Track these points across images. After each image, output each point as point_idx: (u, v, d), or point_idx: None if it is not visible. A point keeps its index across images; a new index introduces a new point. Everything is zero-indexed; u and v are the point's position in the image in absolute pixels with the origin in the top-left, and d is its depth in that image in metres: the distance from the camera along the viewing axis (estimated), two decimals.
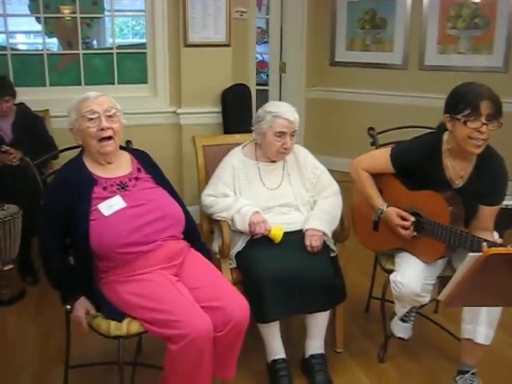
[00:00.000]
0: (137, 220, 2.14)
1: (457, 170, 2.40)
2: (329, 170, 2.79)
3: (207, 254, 2.41)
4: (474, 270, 1.52)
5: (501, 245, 2.14)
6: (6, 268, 3.21)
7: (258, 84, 5.84)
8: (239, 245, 2.53)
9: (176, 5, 4.05)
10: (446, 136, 2.41)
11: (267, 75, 6.07)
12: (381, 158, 2.55)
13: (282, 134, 2.56)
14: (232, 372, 2.25)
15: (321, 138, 5.81)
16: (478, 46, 5.12)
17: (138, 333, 2.10)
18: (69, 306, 2.14)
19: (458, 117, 2.23)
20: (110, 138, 2.20)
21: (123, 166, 2.30)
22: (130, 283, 2.12)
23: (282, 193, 2.64)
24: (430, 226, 2.37)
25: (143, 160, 2.36)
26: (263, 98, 5.34)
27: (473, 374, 2.37)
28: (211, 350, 2.05)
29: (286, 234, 2.51)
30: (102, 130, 2.17)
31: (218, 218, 2.55)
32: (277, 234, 2.48)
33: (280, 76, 5.72)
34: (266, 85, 5.89)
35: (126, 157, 2.34)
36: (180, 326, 1.98)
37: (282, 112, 2.56)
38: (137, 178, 2.27)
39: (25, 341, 2.85)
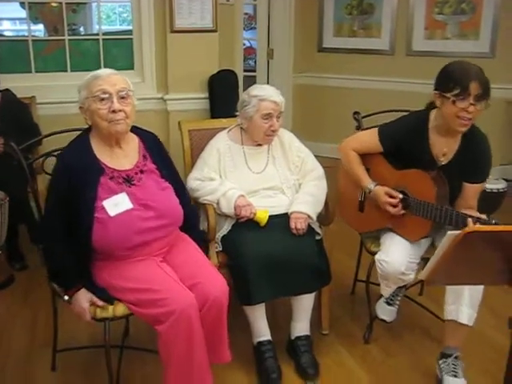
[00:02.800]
0: (140, 224, 2.10)
1: (441, 147, 2.44)
2: (316, 155, 2.81)
3: (202, 243, 2.39)
4: (454, 247, 1.55)
5: (485, 220, 2.18)
6: None
7: (245, 70, 5.84)
8: (225, 228, 2.55)
9: None
10: (433, 114, 2.45)
11: (255, 61, 6.07)
12: (369, 138, 2.59)
13: (268, 116, 2.57)
14: (226, 355, 2.26)
15: (308, 124, 5.82)
16: (464, 32, 5.14)
17: (124, 315, 2.11)
18: (67, 297, 2.11)
19: (447, 95, 2.26)
20: (121, 119, 2.12)
21: (131, 154, 2.23)
22: (116, 268, 2.13)
23: (268, 176, 2.65)
24: (416, 204, 2.40)
25: (150, 144, 2.30)
26: (251, 83, 5.26)
27: (456, 357, 2.39)
28: (200, 325, 2.06)
29: (271, 216, 2.53)
30: (114, 111, 2.09)
31: (204, 202, 2.56)
32: (262, 216, 2.50)
33: (268, 62, 5.73)
34: (254, 71, 5.90)
35: (134, 141, 2.26)
36: (165, 304, 1.99)
37: (267, 95, 2.57)
38: (142, 171, 2.20)
39: (13, 326, 2.87)
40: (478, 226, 1.53)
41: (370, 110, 3.05)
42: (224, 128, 2.79)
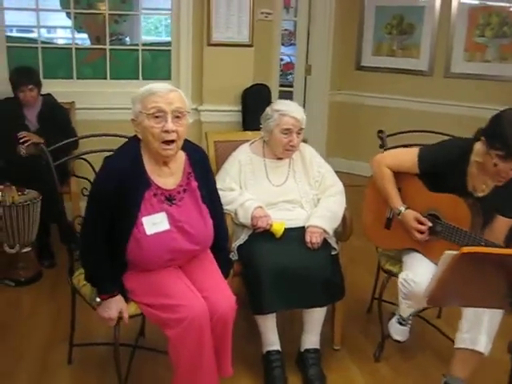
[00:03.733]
0: (173, 245, 2.12)
1: (480, 182, 2.40)
2: (349, 173, 2.83)
3: (227, 267, 2.39)
4: (451, 268, 1.56)
5: None
6: (24, 250, 3.36)
7: (283, 85, 5.93)
8: (242, 238, 2.61)
9: (201, 4, 4.16)
10: (477, 146, 2.36)
11: (293, 77, 6.13)
12: (407, 158, 2.53)
13: (288, 131, 2.62)
14: (228, 369, 2.26)
15: (343, 142, 5.85)
16: (505, 55, 5.08)
17: (134, 315, 2.18)
18: (98, 299, 2.13)
19: (491, 153, 2.21)
20: (172, 141, 2.06)
21: (176, 173, 2.19)
22: (134, 272, 2.18)
23: (287, 189, 2.70)
24: (448, 229, 2.37)
25: (196, 160, 2.25)
26: (288, 99, 5.39)
27: None
28: (210, 334, 2.10)
29: (287, 229, 2.57)
30: (167, 131, 2.02)
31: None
32: (278, 228, 2.54)
33: (305, 78, 5.77)
34: (292, 86, 5.96)
35: (180, 159, 2.21)
36: (179, 310, 2.04)
37: (289, 110, 2.63)
38: (185, 190, 2.19)
39: (36, 319, 2.99)
40: (475, 248, 1.53)
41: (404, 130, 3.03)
42: (249, 140, 2.86)
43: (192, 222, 2.17)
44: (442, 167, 2.41)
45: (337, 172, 2.87)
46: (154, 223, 2.09)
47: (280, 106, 2.67)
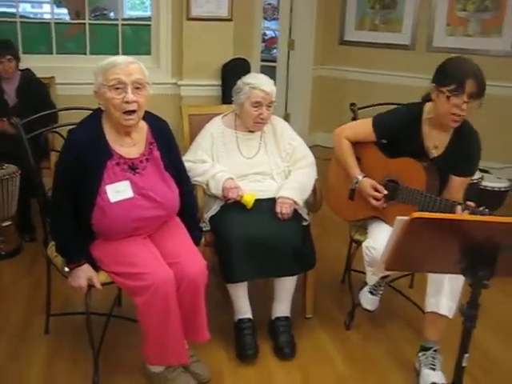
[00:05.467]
0: (137, 212, 2.18)
1: (433, 140, 2.49)
2: (330, 147, 2.85)
3: (197, 233, 2.45)
4: (403, 233, 1.61)
5: (474, 208, 2.21)
6: (4, 224, 3.40)
7: (267, 60, 5.92)
8: (213, 209, 2.66)
9: None
10: (427, 106, 2.48)
11: None
12: (363, 127, 2.63)
13: (258, 104, 2.65)
14: (204, 334, 2.33)
15: (326, 116, 5.86)
16: (487, 29, 5.09)
17: (104, 283, 2.23)
18: (67, 269, 2.21)
19: (443, 90, 2.30)
20: (133, 111, 2.13)
21: (139, 143, 2.26)
22: (102, 242, 2.24)
23: (258, 161, 2.74)
24: (406, 192, 2.45)
25: (158, 131, 2.32)
26: (271, 74, 5.41)
27: (434, 350, 2.43)
28: (175, 301, 2.16)
29: (258, 200, 2.62)
30: (127, 102, 2.09)
31: (194, 183, 2.66)
32: (248, 199, 2.59)
33: (288, 53, 5.77)
34: (276, 61, 5.95)
35: (142, 130, 2.28)
36: (144, 278, 2.10)
37: (259, 83, 2.65)
38: (147, 159, 2.25)
39: (16, 291, 3.05)
40: (424, 213, 1.57)
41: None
42: (222, 113, 2.88)
43: (156, 188, 2.23)
44: (396, 131, 2.50)
45: (320, 146, 2.93)
46: (118, 191, 2.16)
47: (250, 79, 2.69)
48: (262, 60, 5.58)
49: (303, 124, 5.58)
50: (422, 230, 1.60)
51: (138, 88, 2.13)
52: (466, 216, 2.08)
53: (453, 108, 2.30)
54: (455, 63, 2.35)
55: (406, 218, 1.58)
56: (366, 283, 2.73)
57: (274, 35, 6.76)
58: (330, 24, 5.74)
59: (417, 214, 1.55)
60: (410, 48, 5.44)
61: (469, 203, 2.26)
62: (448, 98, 2.29)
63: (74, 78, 4.12)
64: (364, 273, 2.69)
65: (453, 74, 2.28)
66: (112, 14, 6.29)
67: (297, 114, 5.71)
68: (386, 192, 2.51)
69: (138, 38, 4.57)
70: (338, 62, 5.80)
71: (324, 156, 3.07)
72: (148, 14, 8.75)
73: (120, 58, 2.16)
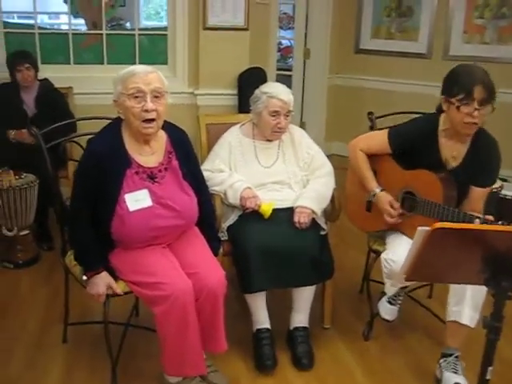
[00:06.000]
0: (156, 221, 2.19)
1: (451, 151, 2.46)
2: (345, 156, 2.84)
3: (215, 244, 2.45)
4: (424, 243, 1.59)
5: (492, 221, 2.18)
6: (22, 233, 3.43)
7: (283, 69, 5.92)
8: (231, 218, 2.65)
9: None
10: (442, 117, 2.46)
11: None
12: (378, 139, 2.61)
13: (276, 113, 2.65)
14: (222, 344, 2.32)
15: (342, 125, 5.84)
16: (504, 36, 5.05)
17: (125, 292, 2.23)
18: (85, 277, 2.22)
19: (452, 100, 2.28)
20: (153, 120, 2.15)
21: (158, 152, 2.27)
22: (121, 251, 2.25)
23: (276, 170, 2.74)
24: (423, 204, 2.42)
25: (177, 141, 2.33)
26: (287, 83, 5.41)
27: (456, 357, 2.41)
28: (194, 311, 2.16)
29: (276, 210, 2.61)
30: (147, 111, 2.12)
31: (212, 192, 2.65)
32: (266, 209, 2.58)
33: (304, 62, 5.77)
34: (291, 70, 5.96)
35: (162, 139, 2.30)
36: (162, 288, 2.10)
37: (276, 92, 2.65)
38: (166, 169, 2.26)
39: (34, 300, 3.06)
40: (446, 223, 1.55)
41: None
42: (240, 122, 2.89)
43: (175, 197, 2.24)
44: (413, 143, 2.47)
45: (336, 155, 2.92)
46: (137, 200, 2.17)
47: (268, 88, 2.70)
48: (278, 69, 5.59)
49: (319, 133, 5.56)
50: (444, 240, 1.58)
51: (157, 97, 2.15)
52: (488, 226, 2.05)
53: (465, 117, 2.27)
54: (460, 72, 2.32)
55: (427, 228, 1.56)
56: (384, 293, 2.70)
57: (289, 44, 6.78)
58: (346, 33, 5.73)
59: (439, 225, 1.53)
60: (427, 56, 5.40)
61: (488, 217, 2.23)
62: (458, 107, 2.26)
63: (91, 87, 4.15)
64: (382, 283, 2.66)
65: (460, 84, 2.26)
66: (128, 25, 6.35)
67: (312, 122, 5.69)
68: (400, 211, 2.50)
69: (154, 48, 4.60)
70: (353, 71, 5.78)
71: (340, 165, 3.05)
72: (163, 23, 8.87)
73: (139, 67, 2.19)
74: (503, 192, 3.66)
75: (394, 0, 5.48)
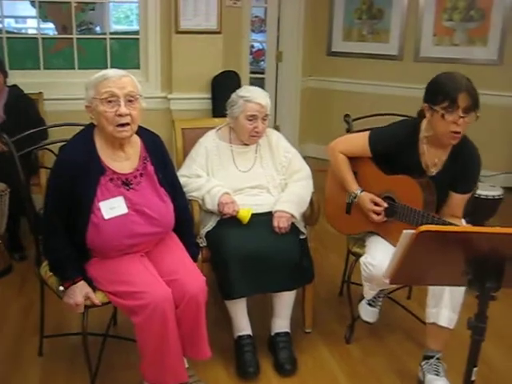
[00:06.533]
0: (132, 228, 2.15)
1: (432, 158, 2.45)
2: (322, 159, 2.84)
3: (194, 249, 2.41)
4: (409, 246, 1.58)
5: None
6: None
7: (256, 72, 5.91)
8: (210, 224, 2.62)
9: None
10: (424, 123, 2.44)
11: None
12: (358, 142, 2.58)
13: (253, 117, 2.63)
14: (206, 351, 2.28)
15: (315, 127, 5.88)
16: (473, 38, 5.15)
17: (103, 303, 2.17)
18: (62, 288, 2.15)
19: (436, 108, 2.27)
20: (127, 124, 2.11)
21: (132, 157, 2.23)
22: (98, 260, 2.20)
23: (254, 175, 2.71)
24: (403, 210, 2.41)
25: (152, 146, 2.30)
26: (260, 86, 5.39)
27: (438, 358, 2.42)
28: (174, 320, 2.12)
29: (255, 215, 2.58)
30: (120, 115, 2.08)
31: (190, 198, 2.62)
32: (244, 214, 2.56)
33: (277, 65, 5.77)
34: (264, 73, 5.95)
35: (136, 144, 2.26)
36: (141, 297, 2.06)
37: (253, 96, 2.63)
38: (141, 174, 2.22)
39: (7, 313, 2.96)
40: (432, 226, 1.55)
41: None
42: (216, 127, 2.85)
43: (151, 204, 2.20)
44: (393, 148, 2.46)
45: (310, 157, 2.91)
46: (112, 207, 2.13)
47: (245, 92, 2.67)
48: (251, 72, 5.56)
49: (293, 135, 5.56)
50: (429, 243, 1.58)
51: (130, 101, 2.11)
52: (473, 228, 2.06)
53: (450, 125, 2.26)
54: (444, 79, 2.31)
55: (412, 231, 1.55)
56: (364, 296, 2.70)
57: (261, 47, 6.76)
58: (318, 35, 5.76)
59: (424, 228, 1.53)
60: (398, 58, 5.47)
61: (465, 225, 2.27)
62: (443, 115, 2.25)
63: (62, 93, 4.08)
64: (362, 285, 2.66)
65: (444, 91, 2.25)
66: (98, 29, 6.25)
67: (286, 125, 5.69)
68: (386, 205, 2.48)
69: (125, 52, 4.52)
70: (326, 73, 5.81)
71: (315, 167, 3.03)
72: (134, 27, 8.77)
73: (112, 71, 2.14)
74: (478, 192, 3.72)
75: (365, 2, 5.54)
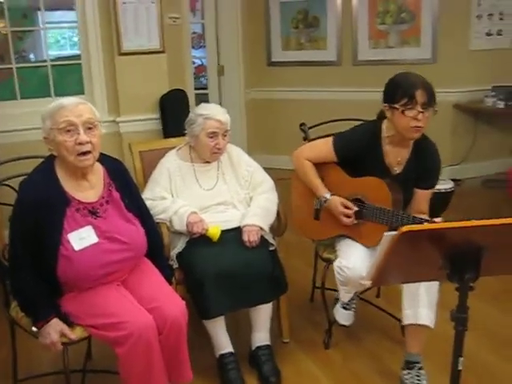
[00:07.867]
0: (105, 257, 2.10)
1: (395, 157, 2.54)
2: (269, 168, 2.86)
3: (167, 271, 2.39)
4: (392, 248, 1.62)
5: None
6: None
7: (198, 88, 5.90)
8: (180, 245, 2.59)
9: (108, 14, 4.05)
10: (385, 124, 2.53)
11: (207, 79, 6.14)
12: (323, 148, 2.62)
13: (214, 134, 2.63)
14: (188, 374, 2.26)
15: (262, 138, 5.93)
16: (406, 40, 5.35)
17: (81, 338, 2.12)
18: (35, 329, 2.07)
19: (396, 106, 2.36)
20: (88, 152, 2.07)
21: (96, 185, 2.19)
22: (74, 294, 2.14)
23: (218, 192, 2.71)
24: (373, 210, 2.47)
25: (115, 172, 2.27)
26: (204, 101, 5.40)
27: (419, 368, 2.43)
28: (158, 347, 2.09)
29: (224, 231, 2.58)
30: (81, 143, 2.03)
31: (157, 221, 2.58)
32: (214, 232, 2.55)
33: (219, 79, 5.80)
34: (207, 88, 5.96)
35: (99, 172, 2.23)
36: (123, 327, 2.01)
37: (213, 113, 2.63)
38: (108, 202, 2.19)
39: None
40: (413, 226, 1.60)
41: (320, 121, 3.12)
42: (174, 147, 2.83)
43: (121, 230, 2.17)
44: (357, 152, 2.53)
45: (263, 168, 2.91)
46: (82, 238, 2.08)
47: (203, 110, 2.67)
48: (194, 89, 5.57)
49: (241, 147, 5.57)
50: (410, 242, 1.62)
51: (90, 128, 2.07)
52: (452, 223, 2.11)
53: (411, 121, 2.35)
54: (401, 78, 2.42)
55: (394, 233, 1.59)
56: (338, 300, 2.74)
57: (200, 63, 6.78)
58: (257, 47, 5.82)
59: (406, 228, 1.57)
60: (337, 63, 5.61)
61: (436, 220, 2.33)
62: (403, 112, 2.35)
63: (5, 126, 3.93)
64: (335, 290, 2.70)
65: (402, 89, 2.35)
66: (32, 56, 6.10)
67: (233, 138, 5.64)
68: (356, 208, 2.53)
69: (67, 78, 4.44)
70: (268, 84, 5.88)
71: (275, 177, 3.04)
72: (68, 52, 8.61)
73: (67, 100, 2.10)
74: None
75: (300, 11, 5.65)
